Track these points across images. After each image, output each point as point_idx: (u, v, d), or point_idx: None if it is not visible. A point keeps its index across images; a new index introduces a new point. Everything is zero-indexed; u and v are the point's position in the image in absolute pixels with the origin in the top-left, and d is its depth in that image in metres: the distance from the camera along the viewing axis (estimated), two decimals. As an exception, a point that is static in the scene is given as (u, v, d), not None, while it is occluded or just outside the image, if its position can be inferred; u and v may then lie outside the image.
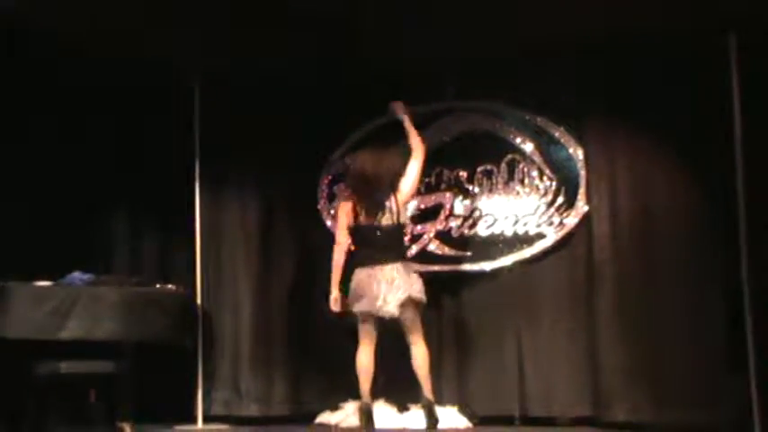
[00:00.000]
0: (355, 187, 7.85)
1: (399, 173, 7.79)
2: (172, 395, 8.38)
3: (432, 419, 7.54)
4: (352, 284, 7.65)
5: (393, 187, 7.74)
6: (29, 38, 7.87)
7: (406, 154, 7.92)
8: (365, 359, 7.69)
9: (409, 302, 7.54)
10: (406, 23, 7.67)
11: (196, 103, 8.54)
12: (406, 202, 7.85)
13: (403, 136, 8.03)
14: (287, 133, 8.57)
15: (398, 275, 7.54)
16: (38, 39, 7.90)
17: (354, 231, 7.75)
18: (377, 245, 7.64)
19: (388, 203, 7.69)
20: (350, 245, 7.81)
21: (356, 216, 7.73)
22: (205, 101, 8.55)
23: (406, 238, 8.16)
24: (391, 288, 7.51)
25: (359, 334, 7.71)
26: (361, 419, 7.64)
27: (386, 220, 7.66)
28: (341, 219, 7.83)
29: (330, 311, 7.73)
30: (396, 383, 8.08)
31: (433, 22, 7.64)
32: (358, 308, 7.59)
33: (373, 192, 7.70)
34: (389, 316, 7.51)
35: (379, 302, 7.51)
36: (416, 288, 7.57)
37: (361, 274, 7.63)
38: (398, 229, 7.74)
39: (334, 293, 7.74)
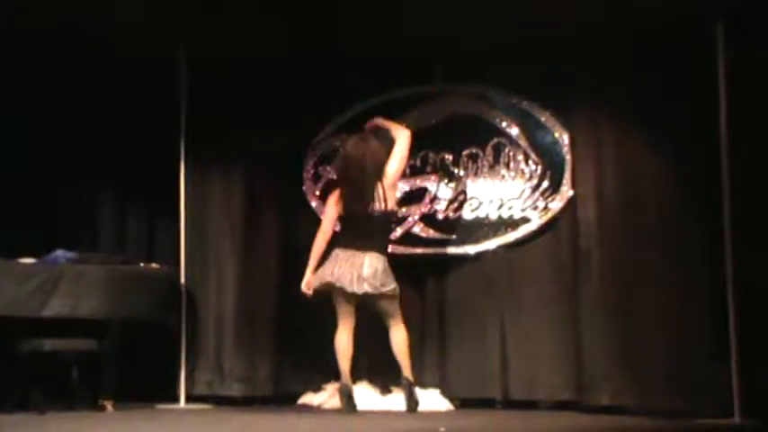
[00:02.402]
0: (341, 173, 7.91)
1: (384, 160, 7.83)
2: (155, 374, 8.40)
3: (412, 400, 7.61)
4: (328, 261, 7.74)
5: (379, 174, 7.77)
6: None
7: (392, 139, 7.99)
8: (343, 341, 7.77)
9: (382, 298, 7.69)
10: (393, 6, 7.67)
11: (182, 84, 8.52)
12: (393, 185, 7.89)
13: (388, 118, 8.07)
14: (272, 114, 8.55)
15: (375, 266, 7.62)
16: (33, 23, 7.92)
17: (342, 218, 7.82)
18: (362, 232, 7.72)
19: (374, 191, 7.73)
20: (336, 228, 7.90)
21: (344, 203, 7.78)
22: (191, 82, 8.53)
23: (393, 225, 8.17)
24: (366, 273, 7.61)
25: (337, 316, 7.77)
26: (341, 401, 7.69)
27: (372, 208, 7.71)
28: (330, 207, 7.95)
29: (303, 294, 7.88)
30: (379, 366, 8.11)
31: (421, 5, 7.63)
32: (331, 284, 7.71)
33: (358, 178, 7.76)
34: (359, 292, 7.64)
35: (353, 283, 7.63)
36: (389, 286, 7.68)
37: (339, 254, 7.74)
38: (386, 216, 7.79)
39: (308, 277, 7.84)
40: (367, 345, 7.95)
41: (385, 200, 7.77)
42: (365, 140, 7.89)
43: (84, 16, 7.88)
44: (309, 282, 7.84)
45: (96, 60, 8.46)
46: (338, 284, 7.69)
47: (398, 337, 7.71)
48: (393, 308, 7.75)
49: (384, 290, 7.66)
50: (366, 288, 7.63)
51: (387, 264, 7.75)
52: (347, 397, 7.69)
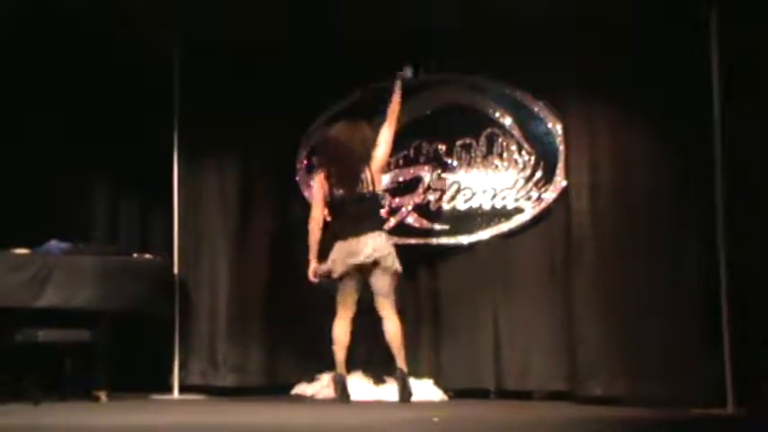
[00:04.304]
0: (329, 158, 7.92)
1: (372, 144, 7.85)
2: (148, 364, 8.41)
3: (405, 391, 7.61)
4: (332, 256, 7.73)
5: (367, 157, 7.79)
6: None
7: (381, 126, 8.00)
8: (341, 330, 7.78)
9: (382, 270, 7.67)
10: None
11: (175, 73, 8.52)
12: (380, 170, 7.92)
13: (381, 110, 8.06)
14: (266, 104, 8.56)
15: (377, 244, 7.64)
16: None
17: (330, 203, 7.83)
18: (352, 215, 7.76)
19: (362, 174, 7.75)
20: (326, 216, 7.89)
21: (330, 187, 7.79)
22: (184, 70, 8.53)
23: (384, 210, 8.19)
24: (367, 251, 7.68)
25: (337, 305, 7.77)
26: (335, 391, 7.71)
27: (361, 190, 7.73)
28: (316, 191, 7.96)
29: (311, 282, 7.89)
30: (373, 356, 8.13)
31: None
32: (338, 273, 7.73)
33: (347, 162, 7.78)
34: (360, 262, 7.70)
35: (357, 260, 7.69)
36: (389, 259, 7.71)
37: (340, 247, 7.75)
38: (374, 198, 7.81)
39: (313, 265, 7.84)
40: (361, 335, 7.95)
41: (372, 183, 7.80)
42: (355, 124, 7.91)
43: (83, 9, 7.89)
44: (315, 269, 7.85)
45: (93, 53, 8.45)
46: (345, 277, 7.74)
47: (391, 328, 7.71)
48: (387, 284, 7.73)
49: (383, 261, 7.68)
50: (365, 258, 7.66)
51: (388, 239, 7.81)
52: (341, 387, 7.71)
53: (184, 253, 8.54)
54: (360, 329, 7.90)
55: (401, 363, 7.67)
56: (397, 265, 7.74)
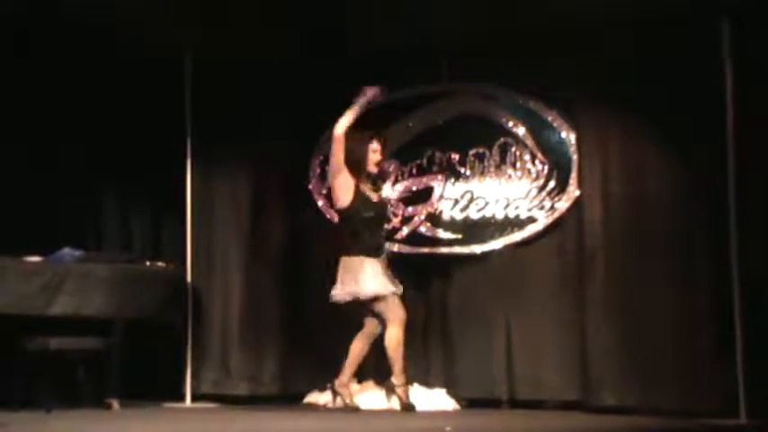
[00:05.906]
0: None
1: (355, 156, 7.76)
2: (160, 373, 8.43)
3: (402, 404, 7.59)
4: None
5: (335, 172, 7.77)
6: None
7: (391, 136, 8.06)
8: (356, 345, 7.76)
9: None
10: (398, 4, 7.70)
11: (187, 79, 8.53)
12: (331, 184, 7.86)
13: (394, 117, 8.07)
14: (278, 113, 8.57)
15: (342, 272, 7.67)
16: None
17: None
18: (336, 239, 7.82)
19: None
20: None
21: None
22: (197, 76, 8.54)
23: (397, 219, 8.21)
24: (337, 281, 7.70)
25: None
26: (343, 399, 7.70)
27: (331, 212, 7.81)
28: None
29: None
30: (384, 366, 8.10)
31: (429, 3, 7.65)
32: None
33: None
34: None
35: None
36: (364, 292, 7.66)
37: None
38: (338, 216, 7.86)
39: None
40: (373, 345, 7.94)
41: (334, 199, 7.82)
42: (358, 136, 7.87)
43: (89, 13, 7.90)
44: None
45: (103, 60, 8.46)
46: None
47: (387, 337, 7.63)
48: (377, 309, 7.69)
49: (360, 296, 7.66)
50: (339, 297, 7.71)
51: (353, 265, 7.66)
52: (349, 397, 7.71)
53: (197, 261, 8.56)
54: (375, 340, 7.89)
55: (396, 372, 7.61)
56: (369, 295, 7.66)
